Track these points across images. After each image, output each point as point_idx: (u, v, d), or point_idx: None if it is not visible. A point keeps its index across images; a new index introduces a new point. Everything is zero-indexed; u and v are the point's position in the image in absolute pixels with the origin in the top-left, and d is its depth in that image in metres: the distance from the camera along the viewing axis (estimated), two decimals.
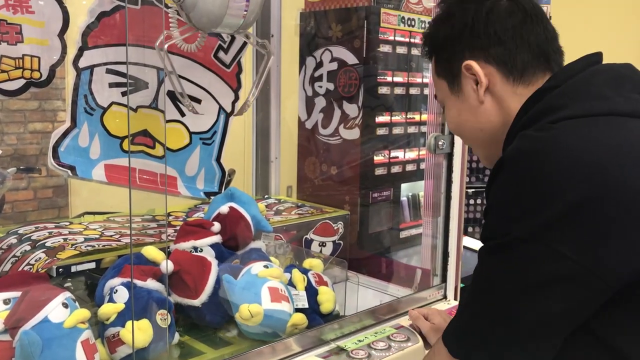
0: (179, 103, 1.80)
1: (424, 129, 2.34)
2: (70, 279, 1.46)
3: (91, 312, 1.19)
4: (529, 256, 0.89)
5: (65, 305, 1.13)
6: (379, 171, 2.23)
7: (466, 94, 1.09)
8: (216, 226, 1.55)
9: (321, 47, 2.20)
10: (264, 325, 1.35)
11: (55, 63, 1.55)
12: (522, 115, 1.01)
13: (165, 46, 1.35)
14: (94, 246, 1.49)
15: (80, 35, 1.60)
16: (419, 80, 2.32)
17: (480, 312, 0.99)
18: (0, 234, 1.61)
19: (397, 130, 2.27)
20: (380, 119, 2.20)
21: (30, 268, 1.38)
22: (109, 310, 1.25)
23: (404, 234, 2.36)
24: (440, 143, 1.68)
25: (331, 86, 2.19)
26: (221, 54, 1.85)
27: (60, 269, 1.39)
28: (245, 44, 1.88)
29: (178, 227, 1.60)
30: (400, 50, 2.24)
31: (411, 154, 2.34)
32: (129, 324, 1.22)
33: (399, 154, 2.30)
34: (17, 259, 1.45)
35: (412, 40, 2.27)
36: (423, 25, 2.29)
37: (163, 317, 1.28)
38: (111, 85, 1.68)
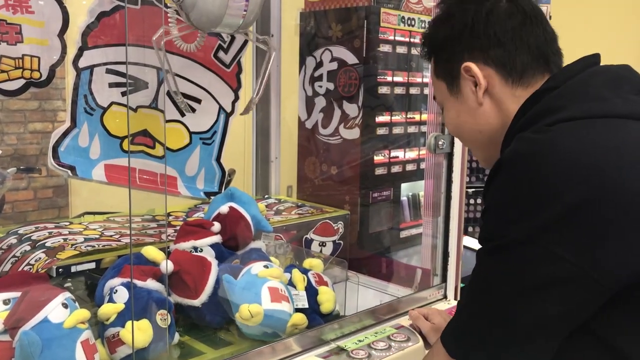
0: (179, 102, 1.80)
1: (424, 128, 2.34)
2: (70, 279, 1.45)
3: (91, 312, 1.19)
4: (527, 258, 0.89)
5: (65, 306, 1.13)
6: (379, 171, 2.22)
7: (465, 96, 1.09)
8: (216, 226, 1.55)
9: (321, 47, 2.20)
10: (264, 325, 1.35)
11: (55, 63, 1.55)
12: (520, 117, 1.01)
13: (163, 41, 1.35)
14: (93, 246, 1.49)
15: (80, 35, 1.60)
16: (419, 80, 2.32)
17: (478, 313, 0.99)
18: (0, 234, 1.61)
19: (397, 130, 2.27)
20: (380, 118, 2.20)
21: (30, 268, 1.38)
22: (108, 310, 1.24)
23: (404, 234, 2.36)
24: (440, 143, 1.68)
25: (331, 86, 2.19)
26: (221, 54, 1.85)
27: (60, 269, 1.39)
28: (245, 43, 1.87)
29: (178, 227, 1.59)
30: (400, 50, 2.23)
31: (411, 154, 2.34)
32: (128, 324, 1.22)
33: (399, 153, 2.29)
34: (17, 259, 1.45)
35: (412, 40, 2.27)
36: (423, 25, 2.29)
37: (163, 317, 1.28)
38: (111, 85, 1.67)
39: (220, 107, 1.88)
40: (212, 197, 1.80)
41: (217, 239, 1.53)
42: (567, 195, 0.85)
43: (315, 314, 1.47)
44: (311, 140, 2.26)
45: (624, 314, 0.89)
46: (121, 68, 1.65)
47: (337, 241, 2.03)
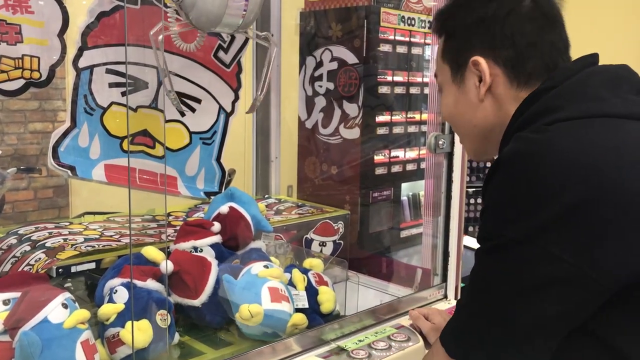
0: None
1: (424, 128, 2.34)
2: (70, 279, 1.45)
3: (91, 313, 1.19)
4: (525, 258, 0.88)
5: (64, 306, 1.13)
6: (379, 171, 2.22)
7: (467, 88, 1.08)
8: (216, 226, 1.55)
9: (321, 47, 2.20)
10: (264, 325, 1.35)
11: (55, 63, 1.55)
12: (518, 116, 1.01)
13: (160, 37, 1.34)
14: (93, 246, 1.49)
15: (79, 35, 1.60)
16: (419, 79, 2.32)
17: (476, 312, 0.99)
18: (1, 234, 1.61)
19: (397, 130, 2.27)
20: (380, 118, 2.20)
21: (30, 268, 1.38)
22: (108, 310, 1.24)
23: (404, 234, 2.36)
24: (440, 142, 1.68)
25: (331, 86, 2.18)
26: (221, 54, 1.85)
27: (60, 270, 1.39)
28: (245, 43, 1.87)
29: (178, 227, 1.59)
30: (401, 49, 2.23)
31: (411, 154, 2.34)
32: (128, 324, 1.22)
33: (399, 153, 2.29)
34: (17, 259, 1.45)
35: (412, 39, 2.27)
36: (423, 25, 2.28)
37: (163, 318, 1.28)
38: (111, 85, 1.67)
39: (220, 107, 1.88)
40: (212, 197, 1.80)
41: (217, 239, 1.53)
42: (566, 195, 0.85)
43: (315, 314, 1.47)
44: (311, 140, 2.26)
45: (623, 314, 0.89)
46: (121, 68, 1.65)
47: (337, 241, 2.03)
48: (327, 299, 1.49)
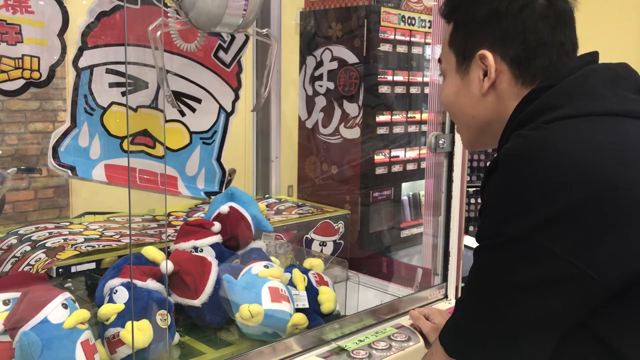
0: (178, 102, 1.80)
1: (424, 127, 2.33)
2: (71, 279, 1.45)
3: (91, 313, 1.19)
4: (524, 256, 0.88)
5: (64, 306, 1.13)
6: (380, 170, 2.22)
7: (470, 80, 1.07)
8: (216, 226, 1.55)
9: (321, 46, 2.20)
10: (265, 325, 1.35)
11: (55, 63, 1.55)
12: (517, 113, 1.01)
13: (159, 33, 1.34)
14: (94, 246, 1.49)
15: (80, 35, 1.60)
16: (419, 79, 2.32)
17: (475, 311, 0.99)
18: (1, 234, 1.61)
19: (397, 129, 2.26)
20: (380, 118, 2.20)
21: (31, 268, 1.38)
22: (108, 310, 1.24)
23: (404, 233, 2.35)
24: (440, 142, 1.68)
25: (331, 85, 2.18)
26: (221, 54, 1.85)
27: (60, 270, 1.39)
28: (245, 43, 1.87)
29: (178, 227, 1.59)
30: (401, 49, 2.23)
31: (412, 153, 2.34)
32: (128, 324, 1.22)
33: (399, 153, 2.29)
34: (17, 259, 1.45)
35: (412, 39, 2.26)
36: (423, 24, 2.28)
37: (163, 318, 1.28)
38: (111, 85, 1.67)
39: (221, 107, 1.88)
40: (212, 197, 1.80)
41: (217, 238, 1.53)
42: (565, 194, 0.85)
43: (315, 314, 1.47)
44: (311, 139, 2.26)
45: (621, 313, 0.89)
46: (121, 68, 1.65)
47: (337, 241, 2.03)
48: (327, 298, 1.49)
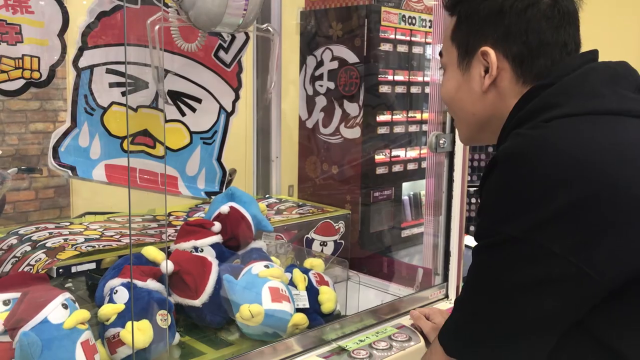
0: (179, 102, 1.80)
1: (425, 127, 2.33)
2: (71, 279, 1.45)
3: (92, 313, 1.19)
4: (522, 255, 0.88)
5: (64, 306, 1.13)
6: (380, 170, 2.22)
7: (471, 76, 1.06)
8: (217, 226, 1.55)
9: (322, 46, 2.19)
10: (265, 325, 1.34)
11: (55, 63, 1.55)
12: (516, 112, 1.00)
13: (157, 27, 1.34)
14: (94, 246, 1.49)
15: (80, 35, 1.60)
16: (420, 78, 2.32)
17: (474, 310, 0.99)
18: (1, 234, 1.61)
19: (398, 129, 2.26)
20: (381, 117, 2.20)
21: (31, 269, 1.38)
22: (108, 311, 1.24)
23: (405, 233, 2.35)
24: (441, 142, 1.67)
25: (332, 85, 2.18)
26: (221, 54, 1.85)
27: (61, 270, 1.39)
28: (245, 43, 1.87)
29: (179, 227, 1.59)
30: (401, 48, 2.23)
31: (412, 153, 2.34)
32: (129, 324, 1.22)
33: (400, 152, 2.29)
34: (17, 259, 1.45)
35: (413, 38, 2.26)
36: (424, 24, 2.28)
37: (163, 318, 1.28)
38: (111, 85, 1.67)
39: (221, 107, 1.88)
40: (212, 197, 1.80)
41: (217, 238, 1.53)
42: (564, 193, 0.85)
43: (316, 314, 1.46)
44: (312, 139, 2.26)
45: (620, 312, 0.89)
46: (121, 68, 1.65)
47: (338, 241, 2.03)
48: (327, 298, 1.49)
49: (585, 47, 1.04)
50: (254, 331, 1.37)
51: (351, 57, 2.13)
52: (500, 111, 1.04)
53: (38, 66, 1.51)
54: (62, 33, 1.54)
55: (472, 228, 3.45)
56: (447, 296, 1.75)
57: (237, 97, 1.90)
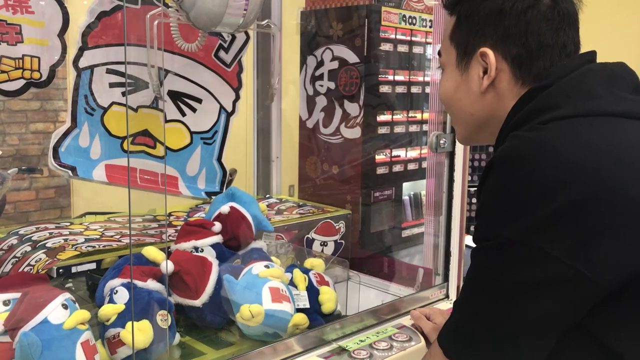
0: (179, 102, 1.80)
1: (425, 127, 2.33)
2: (71, 279, 1.45)
3: (92, 313, 1.19)
4: (521, 258, 0.88)
5: (64, 307, 1.12)
6: (381, 170, 2.22)
7: (470, 77, 1.06)
8: (217, 226, 1.55)
9: (322, 46, 2.19)
10: (265, 325, 1.34)
11: (55, 63, 1.55)
12: (514, 114, 1.00)
13: (156, 22, 1.34)
14: (94, 247, 1.49)
15: (80, 35, 1.60)
16: (420, 78, 2.32)
17: (472, 313, 0.98)
18: (1, 235, 1.61)
19: (398, 129, 2.26)
20: (381, 117, 2.20)
21: (31, 269, 1.38)
22: (108, 311, 1.24)
23: (405, 233, 2.35)
24: (442, 142, 1.67)
25: (332, 85, 2.18)
26: (222, 54, 1.84)
27: (61, 270, 1.38)
28: (246, 43, 1.87)
29: (179, 227, 1.59)
30: (402, 48, 2.23)
31: (413, 153, 2.34)
32: (129, 324, 1.21)
33: (400, 152, 2.29)
34: (17, 259, 1.45)
35: (413, 38, 2.26)
36: (424, 24, 2.28)
37: (163, 318, 1.28)
38: (112, 85, 1.67)
39: (221, 107, 1.88)
40: (213, 197, 1.80)
41: (218, 239, 1.53)
42: (561, 195, 0.84)
43: (316, 314, 1.46)
44: (312, 139, 2.26)
45: (619, 314, 0.89)
46: (122, 68, 1.65)
47: (338, 241, 2.02)
48: (328, 299, 1.49)
49: (585, 48, 1.04)
50: (254, 331, 1.37)
51: (351, 57, 2.13)
52: (498, 112, 1.04)
53: (38, 66, 1.51)
54: (62, 33, 1.54)
55: (472, 228, 3.45)
56: (447, 296, 1.75)
57: (237, 97, 1.90)
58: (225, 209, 1.57)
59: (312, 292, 1.49)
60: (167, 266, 1.37)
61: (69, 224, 1.73)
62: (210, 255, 1.48)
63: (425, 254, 1.83)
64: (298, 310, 1.41)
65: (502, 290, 0.92)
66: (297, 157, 2.33)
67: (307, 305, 1.45)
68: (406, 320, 1.54)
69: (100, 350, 1.21)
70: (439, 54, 1.15)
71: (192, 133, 1.85)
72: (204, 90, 1.83)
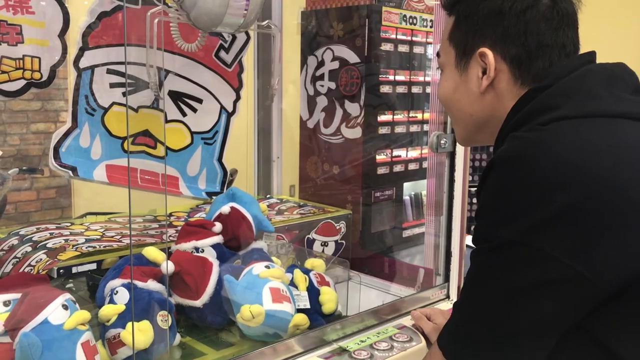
0: (179, 102, 1.80)
1: (426, 127, 2.33)
2: (72, 280, 1.45)
3: (92, 314, 1.19)
4: (520, 259, 0.88)
5: (65, 307, 1.12)
6: (381, 170, 2.22)
7: (469, 77, 1.06)
8: (217, 226, 1.54)
9: (323, 46, 2.19)
10: (266, 325, 1.34)
11: (56, 63, 1.55)
12: (513, 114, 1.00)
13: (156, 21, 1.34)
14: (95, 247, 1.49)
15: (80, 36, 1.60)
16: (421, 78, 2.31)
17: (472, 314, 0.98)
18: (2, 235, 1.61)
19: (399, 129, 2.26)
20: (382, 117, 2.19)
21: (32, 269, 1.38)
22: (109, 311, 1.24)
23: (406, 233, 2.35)
24: (442, 142, 1.67)
25: (333, 85, 2.18)
26: (222, 54, 1.84)
27: (61, 270, 1.38)
28: (246, 43, 1.87)
29: (179, 228, 1.59)
30: (402, 48, 2.23)
31: (413, 153, 2.34)
32: (129, 325, 1.21)
33: (401, 152, 2.29)
34: (18, 260, 1.45)
35: (414, 38, 2.26)
36: (425, 24, 2.28)
37: (164, 318, 1.28)
38: (112, 85, 1.67)
39: (222, 107, 1.88)
40: (213, 197, 1.80)
41: (218, 239, 1.53)
42: (561, 196, 0.84)
43: (317, 315, 1.46)
44: (313, 139, 2.26)
45: (618, 314, 0.89)
46: (122, 68, 1.65)
47: (339, 241, 2.02)
48: (328, 299, 1.49)
49: (585, 48, 1.04)
50: (255, 332, 1.37)
51: (352, 57, 2.13)
52: (498, 112, 1.04)
53: (39, 67, 1.51)
54: (62, 33, 1.54)
55: (473, 228, 3.45)
56: (448, 296, 1.75)
57: (238, 97, 1.90)
58: (225, 209, 1.57)
59: (313, 292, 1.49)
60: (168, 266, 1.36)
61: (69, 224, 1.73)
62: (210, 255, 1.48)
63: (425, 254, 1.83)
64: (299, 310, 1.40)
65: (502, 290, 0.91)
66: (298, 157, 2.33)
67: (308, 306, 1.45)
68: (407, 321, 1.54)
69: (101, 350, 1.21)
70: (438, 54, 1.15)
71: (192, 133, 1.85)
72: (205, 91, 1.83)
